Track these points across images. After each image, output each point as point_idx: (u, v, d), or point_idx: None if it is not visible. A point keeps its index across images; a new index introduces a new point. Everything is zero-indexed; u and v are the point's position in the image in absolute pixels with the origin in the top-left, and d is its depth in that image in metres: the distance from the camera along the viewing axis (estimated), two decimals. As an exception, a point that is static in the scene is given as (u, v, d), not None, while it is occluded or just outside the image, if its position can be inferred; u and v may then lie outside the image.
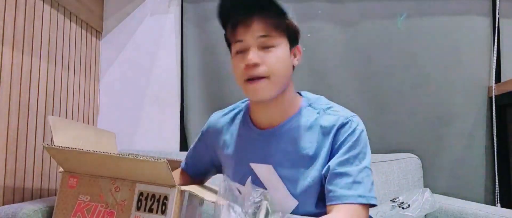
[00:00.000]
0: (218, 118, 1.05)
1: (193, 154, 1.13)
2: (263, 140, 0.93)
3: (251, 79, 0.85)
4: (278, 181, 0.90)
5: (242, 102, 1.04)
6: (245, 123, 0.98)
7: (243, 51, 0.86)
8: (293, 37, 0.90)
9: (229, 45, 0.93)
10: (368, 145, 0.90)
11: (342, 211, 0.81)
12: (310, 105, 0.93)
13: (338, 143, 0.87)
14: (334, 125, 0.88)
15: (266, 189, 0.92)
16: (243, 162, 0.95)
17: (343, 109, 0.92)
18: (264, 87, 0.85)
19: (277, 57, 0.85)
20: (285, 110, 0.92)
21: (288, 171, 0.90)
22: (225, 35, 0.93)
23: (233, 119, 1.02)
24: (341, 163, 0.85)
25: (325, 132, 0.88)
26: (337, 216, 0.81)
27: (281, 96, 0.90)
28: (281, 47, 0.86)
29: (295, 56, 0.92)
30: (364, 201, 0.82)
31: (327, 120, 0.89)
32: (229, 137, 1.00)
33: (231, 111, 1.04)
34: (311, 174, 0.88)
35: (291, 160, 0.90)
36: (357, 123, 0.89)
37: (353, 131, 0.87)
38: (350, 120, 0.88)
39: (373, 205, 0.85)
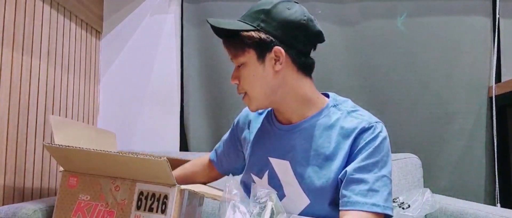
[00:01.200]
0: (247, 111, 1.07)
1: (222, 146, 1.14)
2: (282, 135, 0.94)
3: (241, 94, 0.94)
4: (292, 177, 0.90)
5: None
6: (270, 117, 1.00)
7: None
8: (261, 46, 0.87)
9: None
10: (390, 154, 0.88)
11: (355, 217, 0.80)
12: (335, 106, 0.92)
13: (358, 148, 0.85)
14: (355, 128, 0.86)
15: (281, 183, 0.93)
16: (262, 155, 0.96)
17: (368, 113, 0.90)
18: (248, 102, 0.93)
19: (245, 74, 0.89)
20: (301, 110, 0.92)
21: (303, 169, 0.89)
22: None
23: (261, 113, 1.03)
24: (359, 169, 0.83)
25: (345, 134, 0.87)
26: None
27: (283, 98, 0.90)
28: (249, 63, 0.88)
29: (276, 60, 0.87)
30: (378, 210, 0.80)
31: (349, 122, 0.87)
32: (255, 129, 1.02)
33: None
34: (326, 175, 0.87)
35: (306, 158, 0.89)
36: (381, 129, 0.87)
37: (375, 137, 0.85)
38: (373, 126, 0.86)
39: (389, 216, 0.83)
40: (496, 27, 1.70)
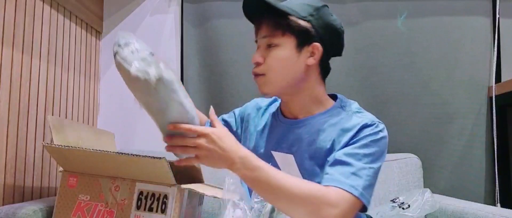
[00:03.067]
0: (258, 104, 1.08)
1: (226, 117, 1.14)
2: (287, 129, 0.95)
3: (255, 75, 0.92)
4: (296, 171, 0.91)
5: None
6: (276, 112, 1.01)
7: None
8: (304, 36, 0.89)
9: None
10: (385, 154, 0.89)
11: (332, 192, 0.80)
12: (341, 107, 0.94)
13: (356, 138, 0.86)
14: (358, 124, 0.88)
15: None
16: (266, 149, 0.97)
17: (372, 116, 0.93)
18: (262, 84, 0.91)
19: (276, 55, 0.89)
20: (309, 108, 0.93)
21: (306, 162, 0.91)
22: None
23: (269, 108, 1.05)
24: (349, 155, 0.84)
25: (346, 129, 0.88)
26: (329, 192, 0.79)
27: (299, 92, 0.92)
28: (285, 47, 0.89)
29: (311, 54, 0.91)
30: (356, 193, 0.80)
31: (352, 120, 0.89)
32: (261, 122, 1.03)
33: (270, 102, 1.07)
34: (322, 172, 0.88)
35: (309, 152, 0.91)
36: (382, 129, 0.89)
37: (376, 133, 0.87)
38: (376, 123, 0.88)
39: (364, 206, 0.83)
40: (496, 27, 1.70)
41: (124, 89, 1.93)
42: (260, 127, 1.02)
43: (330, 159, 0.86)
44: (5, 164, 1.16)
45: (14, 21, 1.20)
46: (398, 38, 1.73)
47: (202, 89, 1.77)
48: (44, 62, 1.36)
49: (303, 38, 0.89)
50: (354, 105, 0.96)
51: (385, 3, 1.74)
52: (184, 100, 0.72)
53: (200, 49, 1.77)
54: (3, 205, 1.12)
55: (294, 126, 0.94)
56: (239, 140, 1.09)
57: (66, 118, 1.50)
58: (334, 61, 1.71)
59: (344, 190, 0.80)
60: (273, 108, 1.04)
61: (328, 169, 0.85)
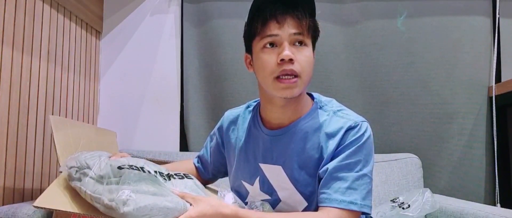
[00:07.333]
0: (232, 115, 1.05)
1: (208, 154, 1.12)
2: (272, 140, 0.93)
3: (284, 77, 0.83)
4: (287, 182, 0.90)
5: (254, 101, 1.04)
6: (256, 122, 0.98)
7: (274, 46, 0.85)
8: (316, 39, 0.90)
9: (249, 40, 0.90)
10: (373, 152, 0.88)
11: (331, 214, 0.80)
12: (321, 107, 0.92)
13: (343, 145, 0.85)
14: (342, 127, 0.86)
15: (274, 188, 0.93)
16: (252, 162, 0.95)
17: (353, 113, 0.91)
18: (295, 87, 0.84)
19: (306, 56, 0.85)
20: (298, 110, 0.91)
21: (297, 172, 0.89)
22: (246, 30, 0.90)
23: (245, 117, 1.01)
24: (340, 168, 0.84)
25: (331, 135, 0.87)
26: (323, 217, 0.81)
27: (299, 95, 0.89)
28: (309, 48, 0.87)
29: None
30: (355, 208, 0.81)
31: (336, 123, 0.88)
32: (241, 135, 1.00)
33: (244, 109, 1.04)
34: (315, 181, 0.88)
35: (299, 161, 0.89)
36: (366, 129, 0.87)
37: (361, 136, 0.86)
38: (359, 124, 0.87)
39: (367, 214, 0.84)
40: (496, 27, 1.70)
41: (124, 89, 1.93)
42: (242, 140, 0.98)
43: (322, 173, 0.86)
44: (5, 164, 1.16)
45: (14, 21, 1.20)
46: (398, 38, 1.73)
47: (202, 89, 1.77)
48: (44, 62, 1.36)
49: (315, 42, 0.90)
50: (333, 103, 0.94)
51: (385, 3, 1.75)
52: (158, 204, 0.77)
53: (200, 49, 1.77)
54: (3, 205, 1.12)
55: (278, 137, 0.92)
56: (224, 155, 1.07)
57: (66, 117, 1.50)
58: (333, 61, 1.72)
59: (342, 209, 0.81)
60: (247, 114, 1.01)
61: (323, 188, 0.84)
